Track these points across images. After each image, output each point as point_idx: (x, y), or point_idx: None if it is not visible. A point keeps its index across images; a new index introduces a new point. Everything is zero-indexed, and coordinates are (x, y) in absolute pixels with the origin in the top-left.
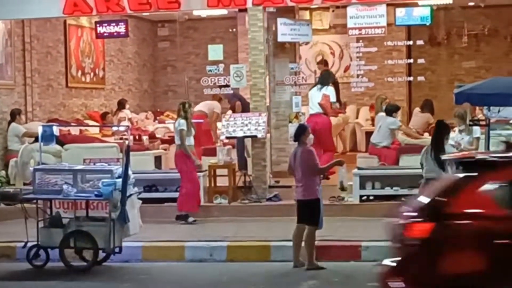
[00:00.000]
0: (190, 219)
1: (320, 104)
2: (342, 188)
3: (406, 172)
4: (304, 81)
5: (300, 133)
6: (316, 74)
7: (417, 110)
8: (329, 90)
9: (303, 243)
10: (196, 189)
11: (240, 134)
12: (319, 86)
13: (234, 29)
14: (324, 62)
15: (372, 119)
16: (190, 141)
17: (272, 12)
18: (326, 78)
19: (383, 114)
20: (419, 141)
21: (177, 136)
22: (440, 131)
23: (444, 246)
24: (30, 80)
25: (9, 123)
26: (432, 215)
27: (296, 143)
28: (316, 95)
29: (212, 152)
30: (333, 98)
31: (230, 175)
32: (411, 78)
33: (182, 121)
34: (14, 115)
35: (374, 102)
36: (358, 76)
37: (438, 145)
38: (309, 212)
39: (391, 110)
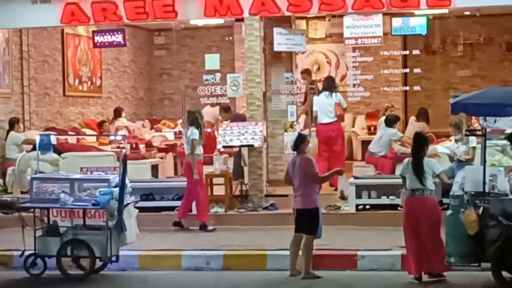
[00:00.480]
0: (210, 227)
1: (338, 115)
2: (343, 197)
3: None
4: (299, 91)
5: (300, 142)
6: (312, 83)
7: (412, 119)
8: (339, 97)
9: (300, 252)
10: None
11: (236, 143)
12: (326, 93)
13: (231, 38)
14: (307, 72)
15: (368, 128)
16: (200, 150)
17: (268, 21)
18: (331, 84)
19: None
20: None
21: (188, 145)
22: (420, 143)
23: None
24: (27, 88)
25: (8, 131)
26: None
27: (295, 152)
28: (327, 103)
29: (209, 161)
30: (344, 104)
31: (227, 184)
32: (407, 87)
33: (196, 131)
34: (13, 123)
35: (379, 110)
36: (354, 85)
37: (418, 157)
38: (308, 221)
39: (391, 121)
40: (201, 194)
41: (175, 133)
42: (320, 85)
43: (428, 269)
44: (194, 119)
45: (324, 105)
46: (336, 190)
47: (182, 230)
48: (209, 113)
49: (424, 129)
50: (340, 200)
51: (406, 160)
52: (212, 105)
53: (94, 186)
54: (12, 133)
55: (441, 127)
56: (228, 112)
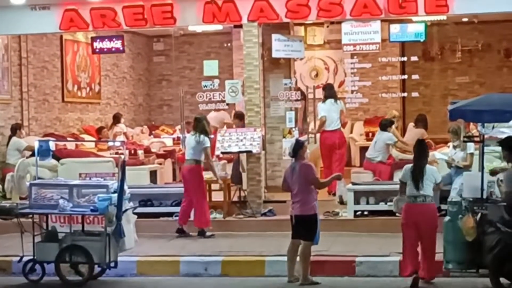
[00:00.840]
0: (208, 233)
1: (344, 122)
2: (341, 202)
3: None
4: (297, 97)
5: (298, 148)
6: (308, 89)
7: (411, 125)
8: (342, 104)
9: (297, 258)
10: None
11: (235, 149)
12: (332, 100)
13: (229, 44)
14: None
15: (367, 134)
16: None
17: (267, 27)
18: (334, 91)
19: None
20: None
21: (196, 151)
22: (423, 150)
23: None
24: (26, 94)
25: (10, 137)
26: None
27: (292, 158)
28: (333, 110)
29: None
30: (344, 111)
31: (225, 190)
32: (405, 94)
33: (207, 139)
34: (15, 129)
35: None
36: (352, 91)
37: (420, 164)
38: (306, 228)
39: (385, 125)
40: (204, 201)
41: (173, 139)
42: (317, 92)
43: (423, 274)
44: (203, 127)
45: (331, 113)
46: (334, 195)
47: (183, 236)
48: (213, 118)
49: (423, 135)
50: (339, 206)
51: (408, 166)
52: (217, 110)
53: (93, 192)
54: (14, 138)
55: (439, 133)
56: (242, 119)
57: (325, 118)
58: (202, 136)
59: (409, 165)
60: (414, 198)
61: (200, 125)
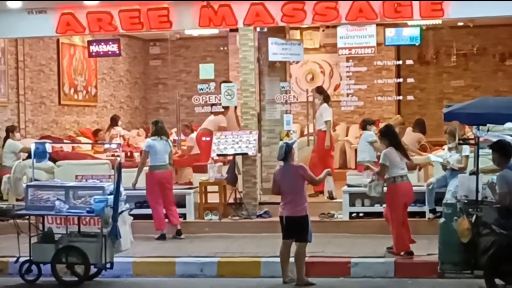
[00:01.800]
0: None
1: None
2: (331, 198)
3: None
4: (295, 100)
5: (288, 152)
6: (307, 92)
7: (409, 129)
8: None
9: (291, 259)
10: None
11: (231, 151)
12: (328, 103)
13: (225, 48)
14: None
15: None
16: None
17: (263, 31)
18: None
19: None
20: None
21: (167, 156)
22: (394, 131)
23: None
24: (23, 97)
25: (5, 139)
26: None
27: (282, 161)
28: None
29: (203, 169)
30: None
31: (221, 192)
32: (401, 97)
33: (171, 143)
34: (9, 131)
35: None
36: (348, 95)
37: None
38: (299, 229)
39: (366, 124)
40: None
41: None
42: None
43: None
44: (165, 130)
45: (330, 115)
46: (322, 193)
47: (179, 238)
48: (211, 121)
49: (421, 139)
50: (331, 205)
51: (388, 149)
52: (215, 113)
53: (89, 194)
54: (9, 141)
55: (435, 136)
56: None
57: (330, 122)
58: (168, 140)
59: (388, 149)
60: (401, 177)
61: (163, 129)
